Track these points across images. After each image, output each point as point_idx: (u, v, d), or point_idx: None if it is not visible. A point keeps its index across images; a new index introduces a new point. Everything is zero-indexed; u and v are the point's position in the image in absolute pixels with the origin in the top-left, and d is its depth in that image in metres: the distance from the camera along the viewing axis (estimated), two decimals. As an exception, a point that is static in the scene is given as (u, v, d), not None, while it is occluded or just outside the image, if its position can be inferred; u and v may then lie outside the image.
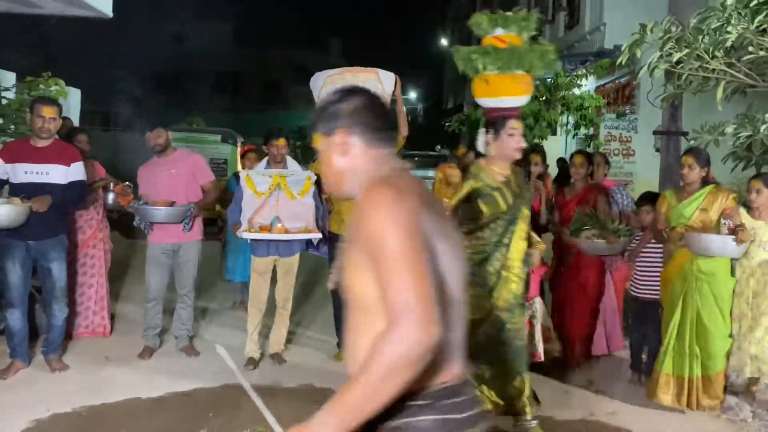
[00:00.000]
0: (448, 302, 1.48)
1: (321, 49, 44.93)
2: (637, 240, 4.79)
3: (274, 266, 4.93)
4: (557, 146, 13.58)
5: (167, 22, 35.06)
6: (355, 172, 1.60)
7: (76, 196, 4.61)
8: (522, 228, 3.63)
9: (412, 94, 41.65)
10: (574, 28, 15.34)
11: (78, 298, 5.26)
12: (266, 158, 5.05)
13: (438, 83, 40.08)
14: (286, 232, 4.73)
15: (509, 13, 4.79)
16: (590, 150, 13.67)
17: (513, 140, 3.56)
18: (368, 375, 1.34)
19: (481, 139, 3.71)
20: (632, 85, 12.78)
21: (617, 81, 13.62)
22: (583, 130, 12.28)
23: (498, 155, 3.61)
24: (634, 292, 4.78)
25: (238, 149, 11.41)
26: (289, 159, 5.02)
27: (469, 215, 3.60)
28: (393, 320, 1.35)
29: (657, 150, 8.42)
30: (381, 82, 5.22)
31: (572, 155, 5.31)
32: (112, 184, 5.30)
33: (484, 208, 3.54)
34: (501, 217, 3.57)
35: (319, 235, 4.85)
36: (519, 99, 4.78)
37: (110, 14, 9.95)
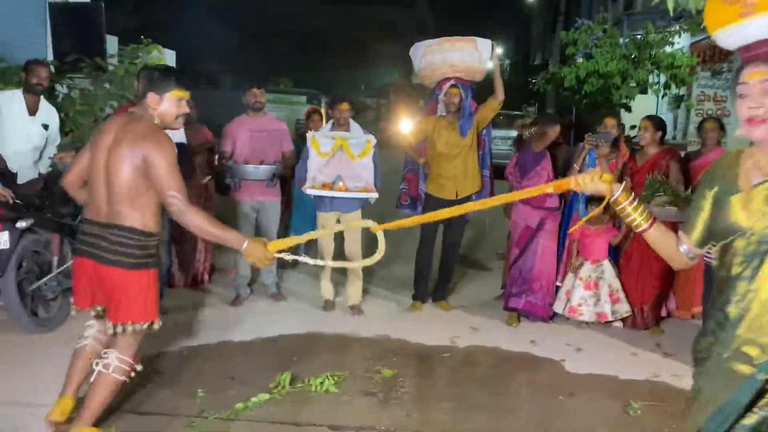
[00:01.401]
0: None
1: (407, 5, 44.41)
2: None
3: (338, 222, 5.27)
4: (647, 106, 13.16)
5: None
6: None
7: (179, 159, 5.02)
8: None
9: (498, 50, 40.78)
10: (669, -19, 14.62)
11: (186, 251, 5.71)
12: (331, 121, 5.35)
13: (525, 38, 39.01)
14: (347, 190, 5.09)
15: None
16: (681, 111, 13.24)
17: None
18: None
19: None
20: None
21: (715, 37, 12.96)
22: (674, 90, 11.84)
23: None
24: (709, 258, 4.76)
25: (324, 109, 11.75)
26: (353, 123, 5.34)
27: None
28: None
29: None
30: (478, 49, 5.40)
31: (641, 120, 5.25)
32: (216, 146, 5.70)
33: None
34: None
35: (376, 195, 5.18)
36: None
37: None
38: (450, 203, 5.26)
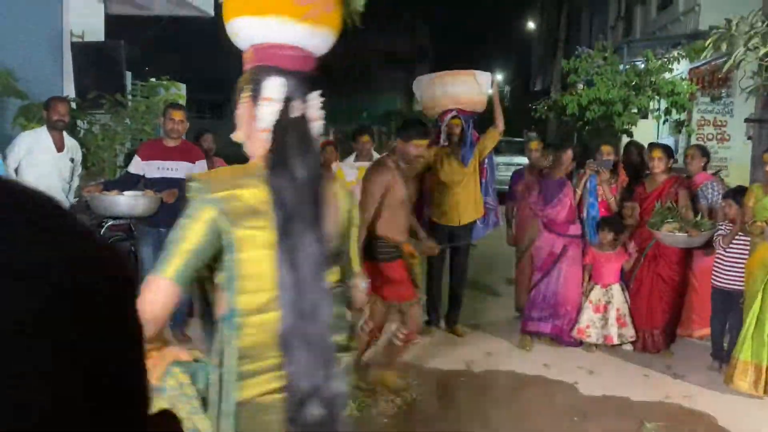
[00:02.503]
0: None
1: (408, 33, 44.96)
2: (721, 232, 4.86)
3: None
4: (648, 131, 13.37)
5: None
6: None
7: None
8: None
9: (499, 76, 41.26)
10: (666, 9, 14.95)
11: None
12: (355, 153, 5.75)
13: (525, 64, 39.50)
14: None
15: None
16: (682, 136, 13.44)
17: None
18: None
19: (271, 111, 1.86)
20: (732, 66, 12.39)
21: (713, 63, 13.22)
22: (674, 115, 12.05)
23: None
24: (717, 282, 4.89)
25: (331, 137, 11.96)
26: (375, 153, 5.66)
27: None
28: None
29: (749, 138, 8.30)
30: (478, 82, 5.61)
31: (650, 148, 5.42)
32: None
33: None
34: None
35: None
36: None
37: (212, 13, 10.74)
38: (454, 229, 5.53)
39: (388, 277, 4.16)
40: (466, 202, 5.55)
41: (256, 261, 1.63)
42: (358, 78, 39.57)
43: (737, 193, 4.84)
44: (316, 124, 1.80)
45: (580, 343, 5.29)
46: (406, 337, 4.27)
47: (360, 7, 2.20)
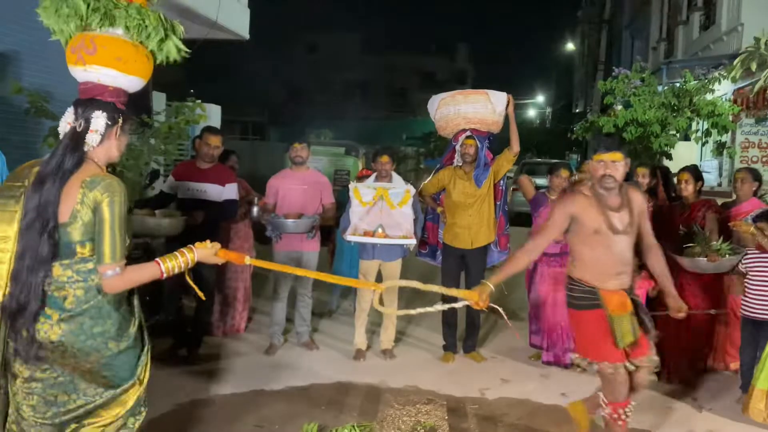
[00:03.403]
0: None
1: (448, 54, 45.10)
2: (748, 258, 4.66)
3: (379, 271, 5.44)
4: (690, 153, 13.01)
5: (297, 36, 36.77)
6: None
7: (227, 212, 5.31)
8: None
9: (540, 98, 40.93)
10: (709, 29, 14.61)
11: (228, 299, 5.89)
12: (374, 174, 5.58)
13: (567, 86, 39.13)
14: (386, 237, 5.26)
15: None
16: (725, 158, 13.02)
17: None
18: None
19: (100, 128, 2.57)
20: (765, 86, 12.00)
21: (758, 83, 12.83)
22: (715, 137, 11.70)
23: None
24: (747, 311, 4.67)
25: (360, 160, 11.98)
26: (394, 174, 5.53)
27: None
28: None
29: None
30: (491, 102, 5.49)
31: (679, 171, 5.24)
32: (256, 199, 5.98)
33: None
34: None
35: (414, 241, 5.36)
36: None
37: (247, 36, 10.93)
38: (465, 252, 5.40)
39: (583, 329, 3.56)
40: (479, 224, 5.43)
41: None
42: (398, 100, 39.82)
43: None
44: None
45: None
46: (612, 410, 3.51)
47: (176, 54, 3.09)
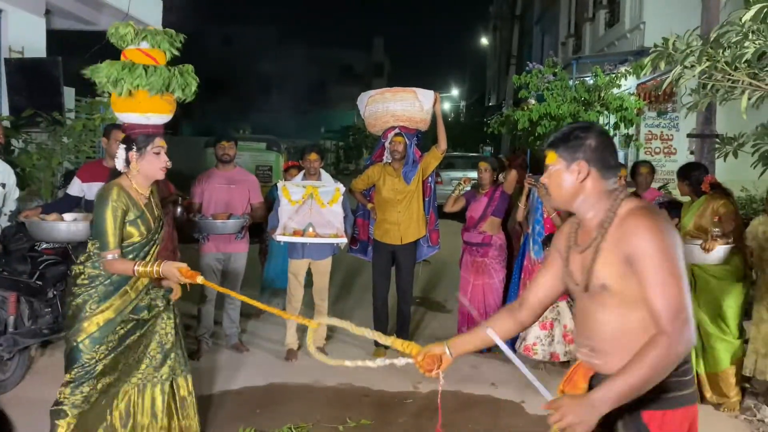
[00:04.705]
0: None
1: (364, 48, 45.18)
2: None
3: (309, 270, 5.40)
4: (598, 145, 13.61)
5: (212, 28, 35.80)
6: (587, 196, 2.01)
7: None
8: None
9: (454, 92, 41.72)
10: (614, 27, 15.31)
11: None
12: (303, 171, 5.52)
13: (481, 80, 40.04)
14: (317, 236, 5.21)
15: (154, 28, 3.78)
16: (631, 150, 13.71)
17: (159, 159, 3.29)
18: (652, 367, 1.76)
19: (121, 157, 3.25)
20: (672, 83, 12.72)
21: (658, 78, 13.56)
22: (623, 130, 12.29)
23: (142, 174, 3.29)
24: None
25: (282, 156, 11.83)
26: (323, 172, 5.51)
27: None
28: (669, 323, 1.78)
29: (691, 152, 8.50)
30: (419, 100, 5.55)
31: (642, 166, 5.72)
32: (180, 198, 5.75)
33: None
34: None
35: (345, 240, 5.34)
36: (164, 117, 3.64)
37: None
38: (395, 248, 5.48)
39: None
40: (408, 220, 5.51)
41: None
42: (316, 94, 39.55)
43: (676, 207, 4.94)
44: None
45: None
46: None
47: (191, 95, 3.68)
